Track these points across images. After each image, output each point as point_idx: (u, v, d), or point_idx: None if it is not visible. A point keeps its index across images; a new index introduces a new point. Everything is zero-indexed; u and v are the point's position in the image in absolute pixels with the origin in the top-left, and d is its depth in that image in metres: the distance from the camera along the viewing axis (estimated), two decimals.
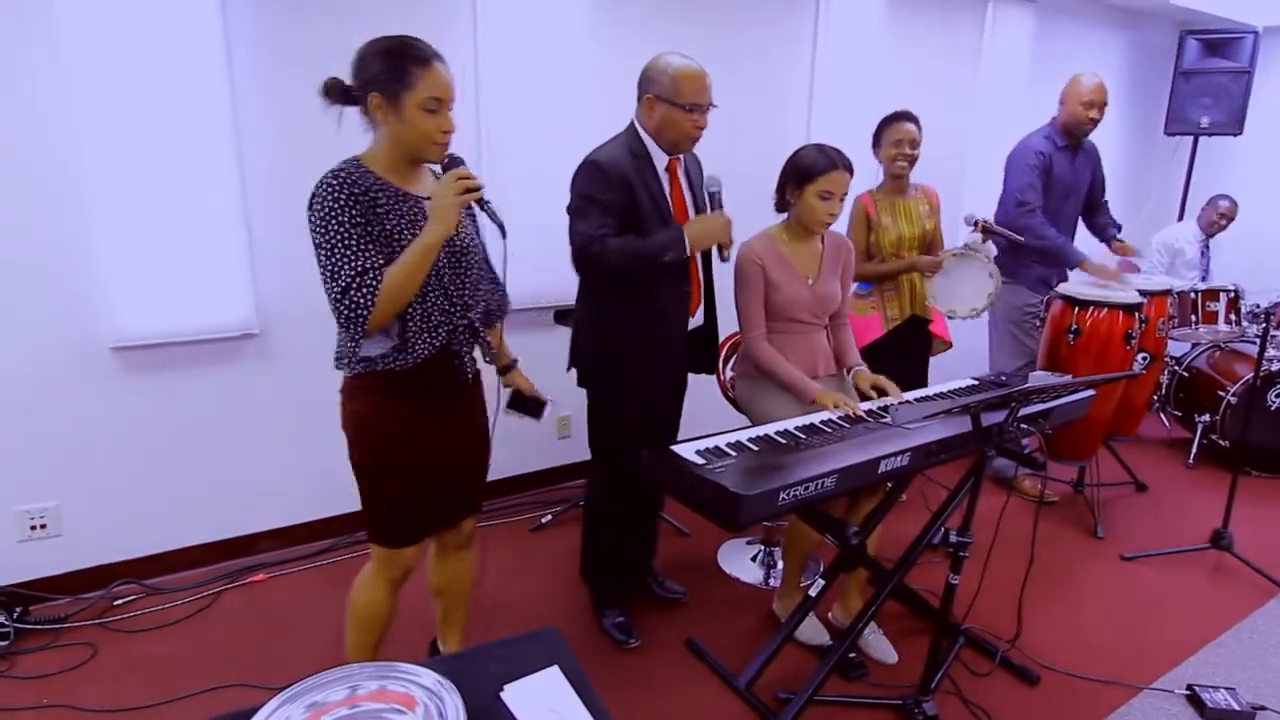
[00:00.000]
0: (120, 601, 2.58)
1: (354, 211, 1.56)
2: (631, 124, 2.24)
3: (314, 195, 1.57)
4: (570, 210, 2.18)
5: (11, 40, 2.22)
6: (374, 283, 1.57)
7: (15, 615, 2.38)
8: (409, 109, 1.59)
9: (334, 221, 1.55)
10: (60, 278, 2.40)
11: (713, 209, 2.21)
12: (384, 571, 1.87)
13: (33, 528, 2.50)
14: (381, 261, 1.59)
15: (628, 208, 2.14)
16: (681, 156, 2.31)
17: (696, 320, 2.41)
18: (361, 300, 1.56)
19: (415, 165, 1.71)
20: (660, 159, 2.23)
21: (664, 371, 2.36)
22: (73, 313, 2.43)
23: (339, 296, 1.56)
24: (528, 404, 2.05)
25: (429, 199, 1.71)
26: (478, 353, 1.90)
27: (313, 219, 1.57)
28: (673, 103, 2.13)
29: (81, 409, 2.50)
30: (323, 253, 1.56)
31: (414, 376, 1.71)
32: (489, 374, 1.97)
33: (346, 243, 1.56)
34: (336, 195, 1.55)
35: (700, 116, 2.16)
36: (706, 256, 2.40)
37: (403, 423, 1.73)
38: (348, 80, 1.63)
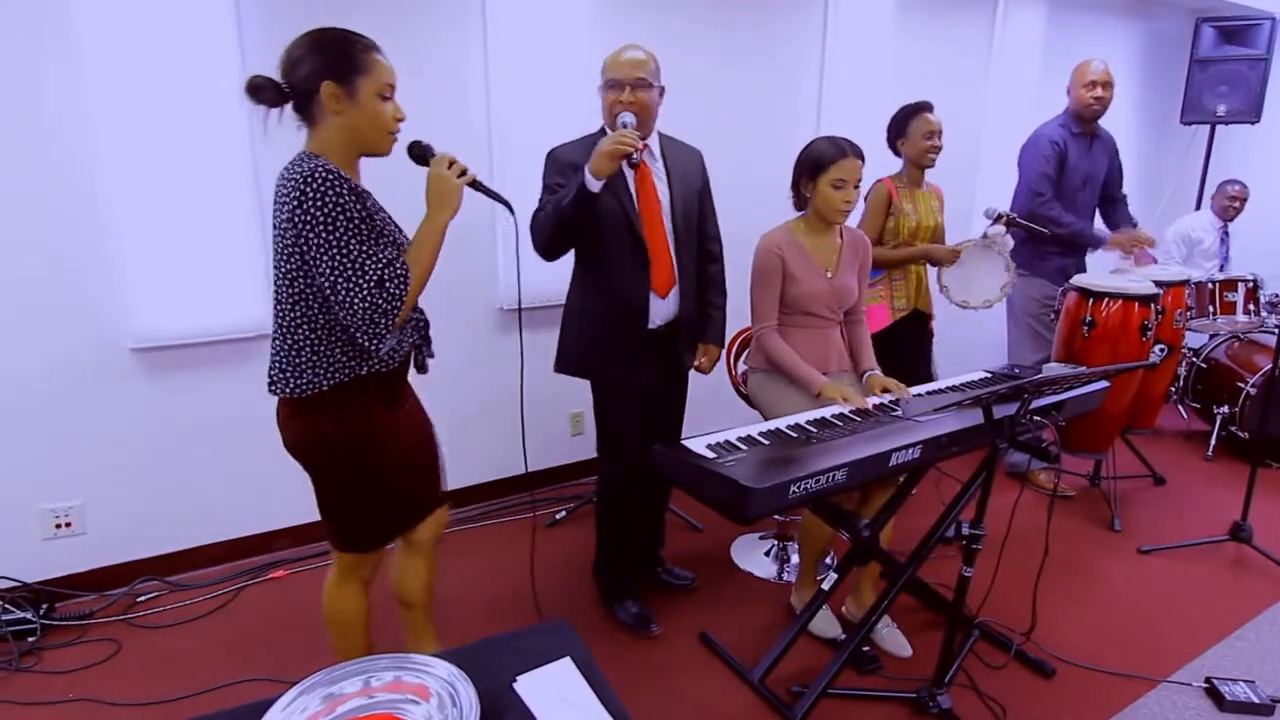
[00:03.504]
0: (143, 598, 2.62)
1: (358, 206, 1.53)
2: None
3: (307, 192, 1.48)
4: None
5: (31, 47, 2.26)
6: (403, 272, 1.57)
7: (41, 612, 2.43)
8: (366, 96, 1.55)
9: (342, 217, 1.50)
10: (80, 281, 2.44)
11: None
12: (356, 573, 1.86)
13: (57, 526, 2.55)
14: (397, 253, 1.60)
15: None
16: (658, 153, 2.30)
17: (671, 304, 2.34)
18: (397, 291, 1.55)
19: (358, 160, 1.66)
20: None
21: (639, 355, 2.31)
22: (93, 315, 2.48)
23: (374, 290, 1.52)
24: None
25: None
26: None
27: (311, 217, 1.48)
28: (603, 85, 2.21)
29: (103, 410, 2.55)
30: (334, 250, 1.50)
31: (384, 378, 1.69)
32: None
33: (362, 237, 1.52)
34: (338, 190, 1.49)
35: (620, 91, 2.16)
36: (678, 233, 2.31)
37: (370, 429, 1.69)
38: (286, 78, 1.57)
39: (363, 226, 1.54)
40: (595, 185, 2.05)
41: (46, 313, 2.41)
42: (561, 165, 2.20)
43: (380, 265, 1.54)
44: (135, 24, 2.34)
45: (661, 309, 2.33)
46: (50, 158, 2.34)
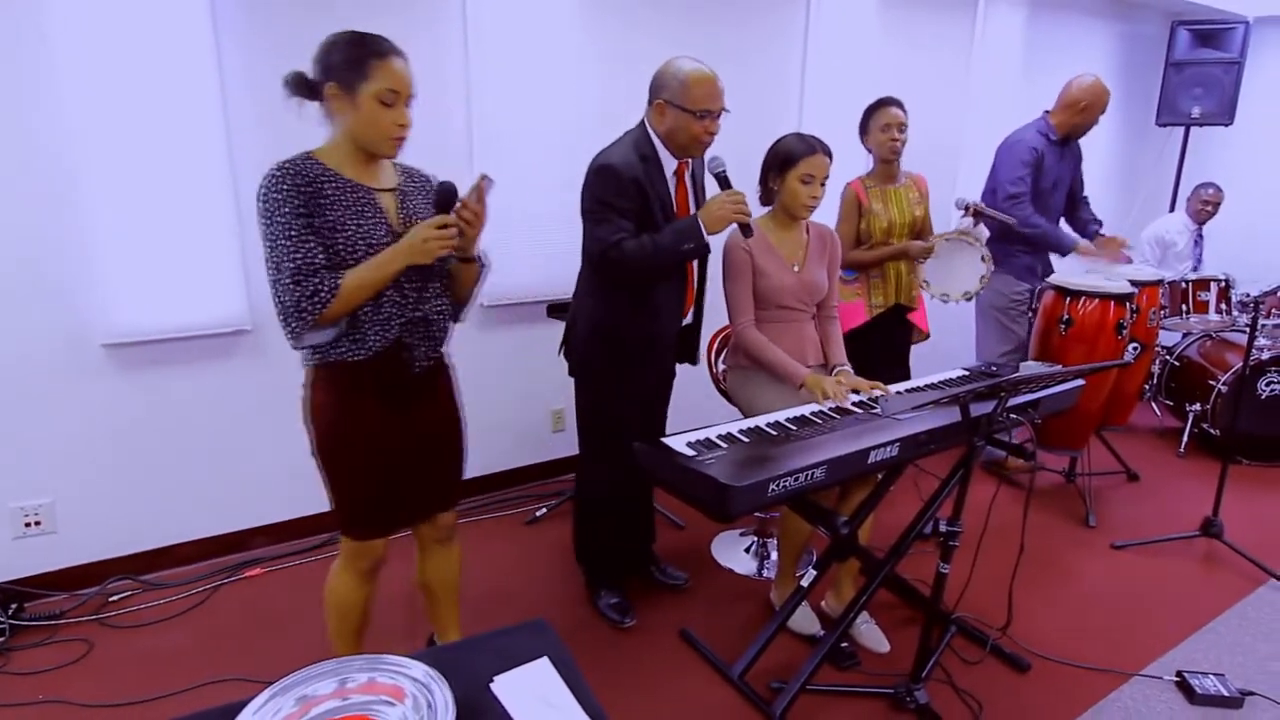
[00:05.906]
0: (116, 597, 2.58)
1: (297, 203, 1.57)
2: (642, 124, 2.24)
3: (261, 187, 1.57)
4: (586, 214, 2.19)
5: (4, 38, 2.21)
6: (322, 285, 1.57)
7: (11, 612, 2.39)
8: (364, 100, 1.59)
9: (278, 214, 1.56)
10: (53, 275, 2.39)
11: (723, 189, 2.18)
12: (352, 563, 1.88)
13: (27, 524, 2.50)
14: (322, 257, 1.59)
15: (640, 211, 2.15)
16: (690, 160, 2.31)
17: (686, 319, 2.46)
18: (302, 297, 1.56)
19: (372, 159, 1.69)
20: (669, 163, 2.24)
21: (655, 367, 2.41)
22: (65, 310, 2.43)
23: (283, 290, 1.56)
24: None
25: (388, 190, 1.71)
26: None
27: (260, 210, 1.57)
28: (683, 108, 2.13)
29: (75, 406, 2.50)
30: (267, 244, 1.57)
31: (369, 368, 1.71)
32: (463, 368, 1.97)
33: (289, 235, 1.56)
34: (280, 186, 1.56)
35: (711, 122, 2.16)
36: (703, 259, 2.41)
37: (360, 415, 1.73)
38: (310, 73, 1.63)
39: (296, 224, 1.56)
40: (705, 239, 2.13)
41: (17, 307, 2.36)
42: (625, 184, 2.12)
43: (293, 268, 1.55)
44: (111, 18, 2.29)
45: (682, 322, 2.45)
46: (23, 151, 2.29)
